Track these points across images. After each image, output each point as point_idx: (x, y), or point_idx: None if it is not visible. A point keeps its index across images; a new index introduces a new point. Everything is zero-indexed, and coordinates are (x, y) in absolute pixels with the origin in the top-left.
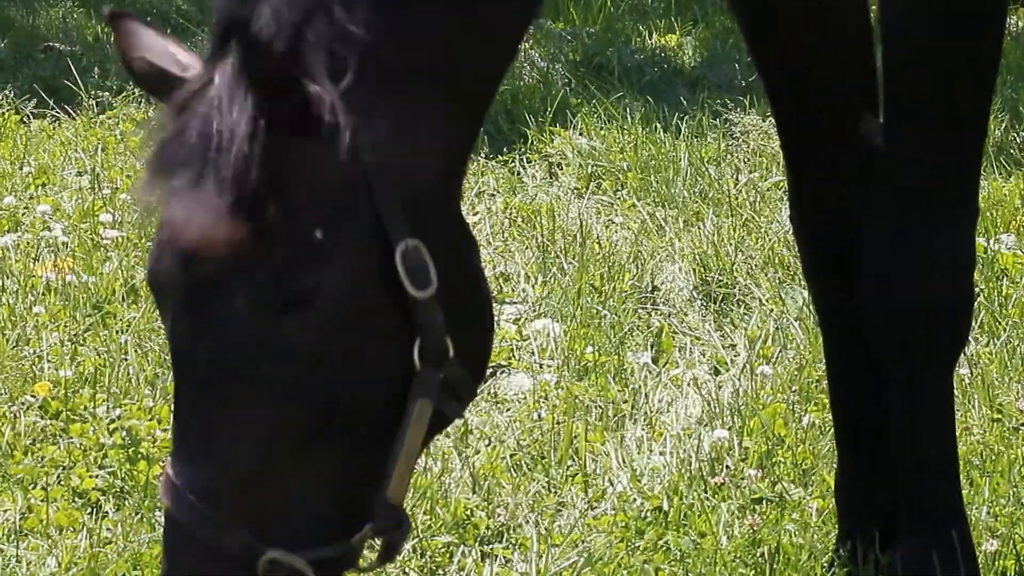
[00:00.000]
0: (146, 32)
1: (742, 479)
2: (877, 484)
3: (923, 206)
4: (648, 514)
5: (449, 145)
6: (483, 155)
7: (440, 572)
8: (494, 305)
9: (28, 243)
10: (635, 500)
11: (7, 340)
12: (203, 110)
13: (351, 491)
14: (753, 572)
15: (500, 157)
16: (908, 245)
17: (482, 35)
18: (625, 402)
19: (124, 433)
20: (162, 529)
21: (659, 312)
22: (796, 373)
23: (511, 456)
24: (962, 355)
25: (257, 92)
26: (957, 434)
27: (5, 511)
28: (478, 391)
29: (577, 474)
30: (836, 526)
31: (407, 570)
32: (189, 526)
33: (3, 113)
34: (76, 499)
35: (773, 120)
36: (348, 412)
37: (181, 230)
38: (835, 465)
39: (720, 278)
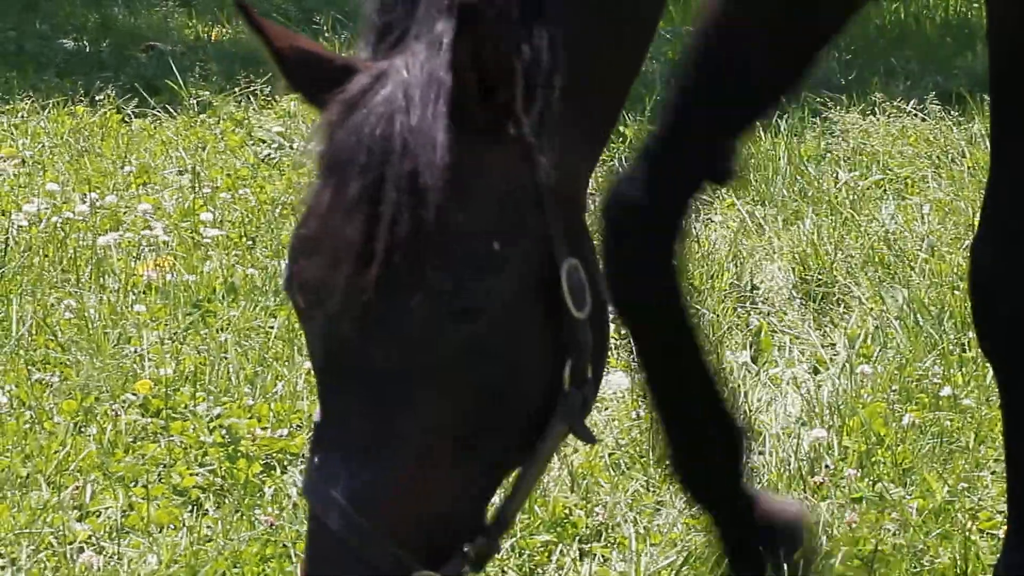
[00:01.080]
0: (279, 28)
1: (841, 479)
2: None
3: None
4: None
5: (592, 164)
6: None
7: (539, 571)
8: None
9: (129, 242)
10: None
11: (108, 339)
12: (382, 109)
13: (483, 504)
14: (853, 572)
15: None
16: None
17: (620, 49)
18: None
19: (224, 431)
20: (307, 531)
21: (758, 311)
22: (896, 372)
23: (609, 455)
24: None
25: (472, 78)
26: None
27: (107, 509)
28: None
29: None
30: (935, 525)
31: (505, 568)
32: (340, 535)
33: (105, 112)
34: (176, 497)
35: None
36: (496, 427)
37: (354, 231)
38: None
39: (819, 277)
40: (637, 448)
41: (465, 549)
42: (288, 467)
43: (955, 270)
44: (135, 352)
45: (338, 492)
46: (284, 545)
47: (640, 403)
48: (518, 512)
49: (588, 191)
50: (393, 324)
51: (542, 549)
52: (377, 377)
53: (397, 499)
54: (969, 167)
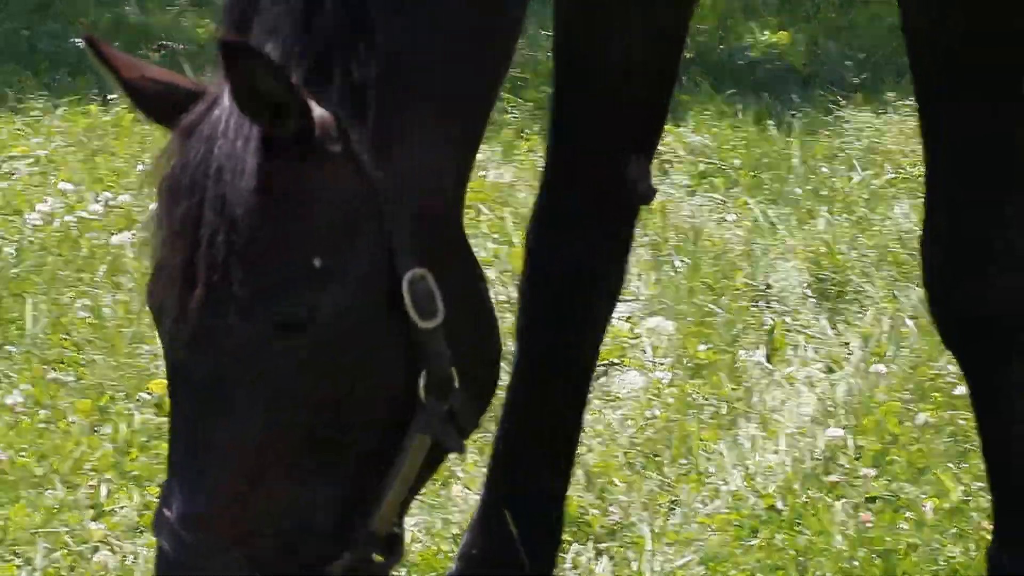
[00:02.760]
0: (127, 57)
1: (856, 478)
2: None
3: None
4: (762, 513)
5: (456, 169)
6: None
7: (554, 570)
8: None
9: (144, 241)
10: (749, 499)
11: (123, 338)
12: (207, 133)
13: (340, 517)
14: (868, 571)
15: None
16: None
17: (484, 51)
18: (739, 400)
19: None
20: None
21: (772, 310)
22: (911, 371)
23: (624, 454)
24: None
25: (249, 115)
26: None
27: (122, 508)
28: (479, 423)
29: (690, 472)
30: (950, 525)
31: None
32: (169, 555)
33: (118, 111)
34: None
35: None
36: (342, 438)
37: (179, 254)
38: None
39: (834, 276)
40: (652, 447)
41: (338, 561)
42: None
43: None
44: (150, 351)
45: (170, 512)
46: None
47: (654, 402)
48: (389, 525)
49: (460, 194)
50: (217, 343)
51: None
52: (207, 395)
53: (231, 515)
54: None
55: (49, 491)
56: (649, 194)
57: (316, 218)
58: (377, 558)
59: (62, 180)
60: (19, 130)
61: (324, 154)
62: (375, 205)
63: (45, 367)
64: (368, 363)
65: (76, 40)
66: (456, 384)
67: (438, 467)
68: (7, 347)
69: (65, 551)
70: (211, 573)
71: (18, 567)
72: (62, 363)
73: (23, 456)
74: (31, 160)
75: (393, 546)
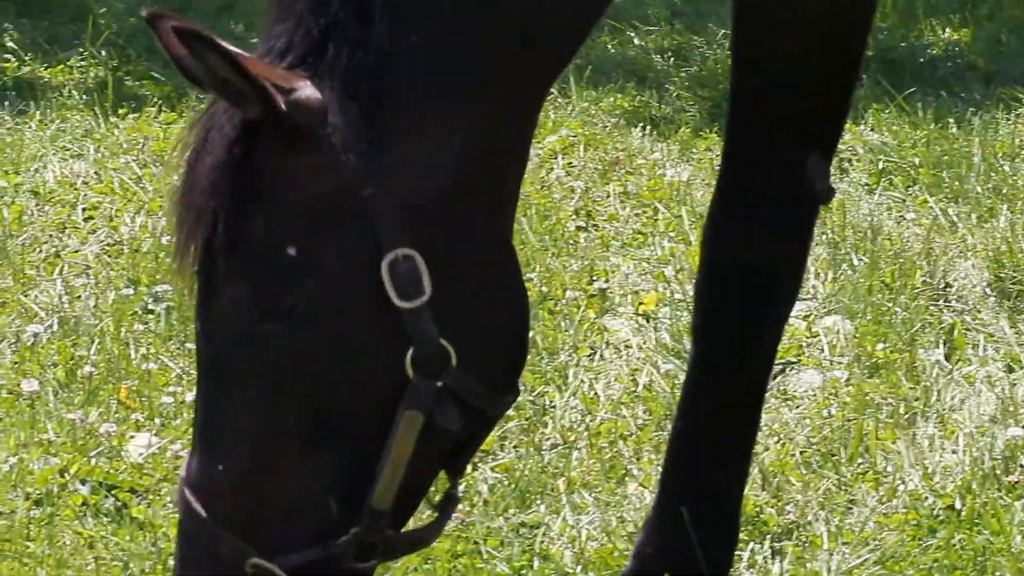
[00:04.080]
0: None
1: None
2: None
3: None
4: (940, 512)
5: (472, 155)
6: None
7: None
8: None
9: None
10: (927, 498)
11: None
12: (208, 124)
13: (339, 496)
14: None
15: None
16: None
17: (521, 41)
18: (917, 400)
19: None
20: None
21: (951, 309)
22: None
23: (801, 453)
24: None
25: (221, 97)
26: None
27: None
28: (506, 402)
29: (868, 472)
30: None
31: None
32: (184, 524)
33: None
34: None
35: None
36: (336, 417)
37: (176, 240)
38: None
39: (1015, 275)
40: (828, 446)
41: (338, 541)
42: (479, 464)
43: None
44: None
45: (186, 484)
46: (475, 542)
47: (831, 401)
48: (388, 503)
49: (492, 180)
50: (213, 325)
51: None
52: (213, 374)
53: (235, 490)
54: None
55: None
56: (828, 194)
57: (291, 206)
58: (423, 519)
59: None
60: None
61: (310, 138)
62: (358, 191)
63: None
64: (355, 344)
65: (257, 40)
66: (453, 362)
67: (449, 446)
68: (187, 344)
69: None
70: (216, 550)
71: None
72: None
73: None
74: None
75: (446, 507)
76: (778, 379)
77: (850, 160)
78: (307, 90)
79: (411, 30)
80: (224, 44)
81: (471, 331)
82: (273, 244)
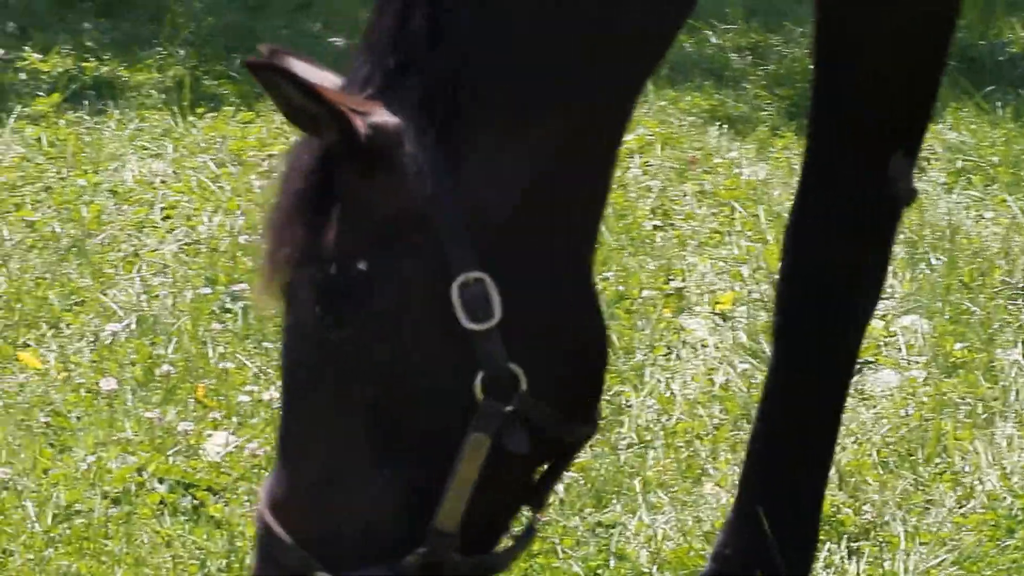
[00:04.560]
0: (300, 65)
1: None
2: None
3: None
4: (1019, 512)
5: (547, 177)
6: None
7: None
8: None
9: None
10: (1005, 498)
11: None
12: (298, 146)
13: (406, 515)
14: None
15: None
16: None
17: (596, 57)
18: (995, 399)
19: None
20: None
21: None
22: None
23: (878, 453)
24: None
25: (299, 128)
26: None
27: None
28: (584, 432)
29: (945, 472)
30: None
31: None
32: (259, 535)
33: None
34: None
35: None
36: (405, 436)
37: (264, 254)
38: None
39: None
40: (906, 446)
41: (402, 561)
42: None
43: None
44: None
45: (264, 493)
46: (551, 541)
47: (908, 401)
48: (455, 523)
49: (575, 201)
50: (289, 339)
51: None
52: (290, 390)
53: (304, 505)
54: None
55: None
56: (910, 194)
57: (364, 224)
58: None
59: None
60: (278, 128)
61: (386, 161)
62: (431, 214)
63: None
64: (424, 363)
65: (335, 39)
66: (523, 387)
67: (521, 472)
68: (264, 343)
69: None
70: (284, 561)
71: None
72: None
73: None
74: None
75: (522, 537)
76: (855, 379)
77: (928, 159)
78: (383, 115)
79: (485, 53)
80: (300, 75)
81: (543, 357)
82: (345, 259)
